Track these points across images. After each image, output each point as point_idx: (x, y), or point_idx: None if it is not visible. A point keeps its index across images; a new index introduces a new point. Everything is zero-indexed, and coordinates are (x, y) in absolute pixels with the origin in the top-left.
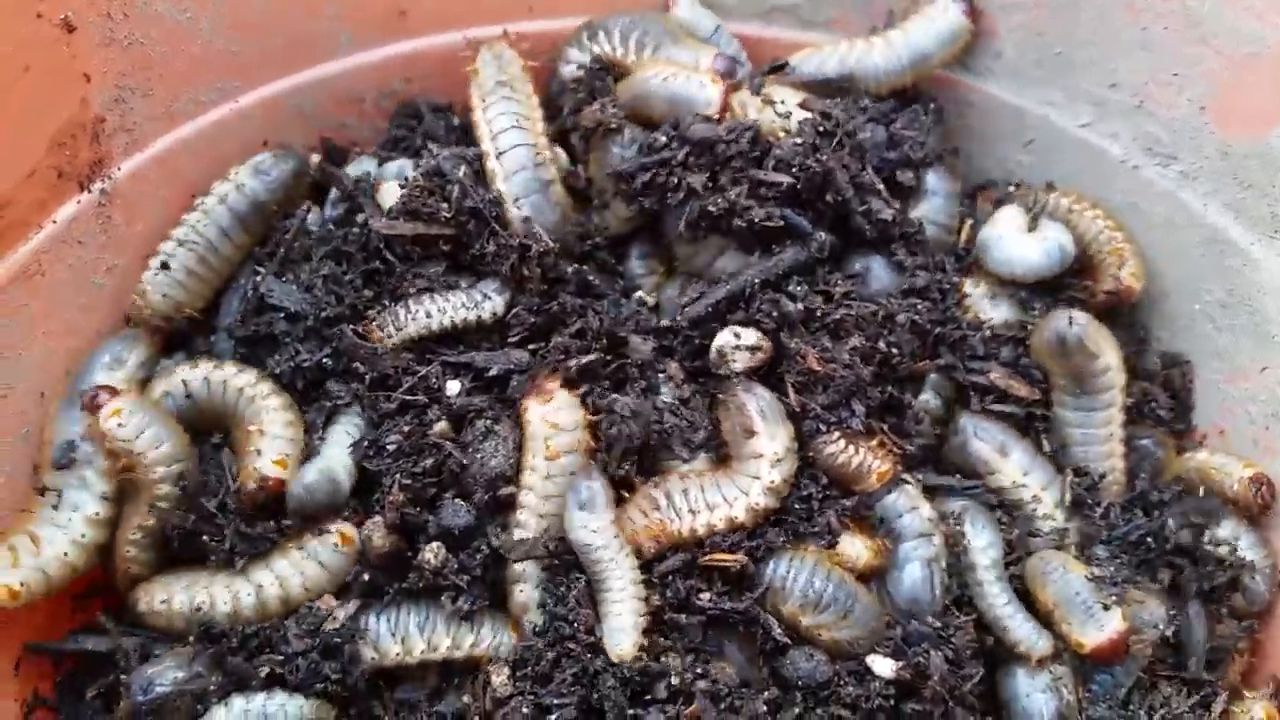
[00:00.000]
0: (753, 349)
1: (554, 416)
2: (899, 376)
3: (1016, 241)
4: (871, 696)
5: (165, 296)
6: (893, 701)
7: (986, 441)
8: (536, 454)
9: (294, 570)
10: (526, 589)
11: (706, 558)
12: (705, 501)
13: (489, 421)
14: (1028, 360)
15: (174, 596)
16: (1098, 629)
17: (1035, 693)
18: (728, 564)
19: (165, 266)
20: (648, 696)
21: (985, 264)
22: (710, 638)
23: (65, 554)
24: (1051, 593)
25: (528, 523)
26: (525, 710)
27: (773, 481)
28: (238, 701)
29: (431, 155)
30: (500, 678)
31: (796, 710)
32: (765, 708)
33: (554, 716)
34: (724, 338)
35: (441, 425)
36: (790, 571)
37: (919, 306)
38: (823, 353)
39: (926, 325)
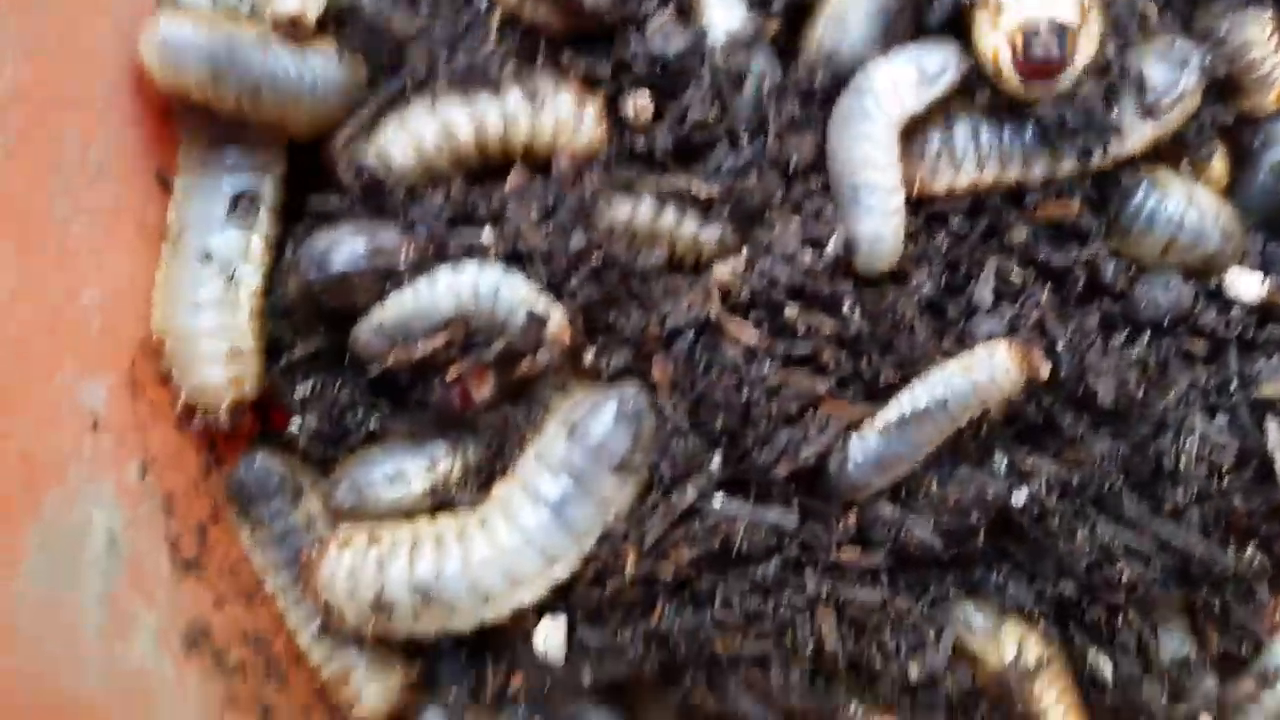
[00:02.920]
0: None
1: None
2: None
3: None
4: (1231, 324)
5: None
6: (1250, 331)
7: None
8: None
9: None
10: None
11: (1038, 211)
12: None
13: None
14: None
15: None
16: None
17: None
18: (1059, 215)
19: None
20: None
21: None
22: None
23: (255, 338)
24: None
25: None
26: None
27: None
28: (443, 275)
29: None
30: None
31: (1145, 340)
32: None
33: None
34: None
35: None
36: (1148, 202)
37: None
38: None
39: None
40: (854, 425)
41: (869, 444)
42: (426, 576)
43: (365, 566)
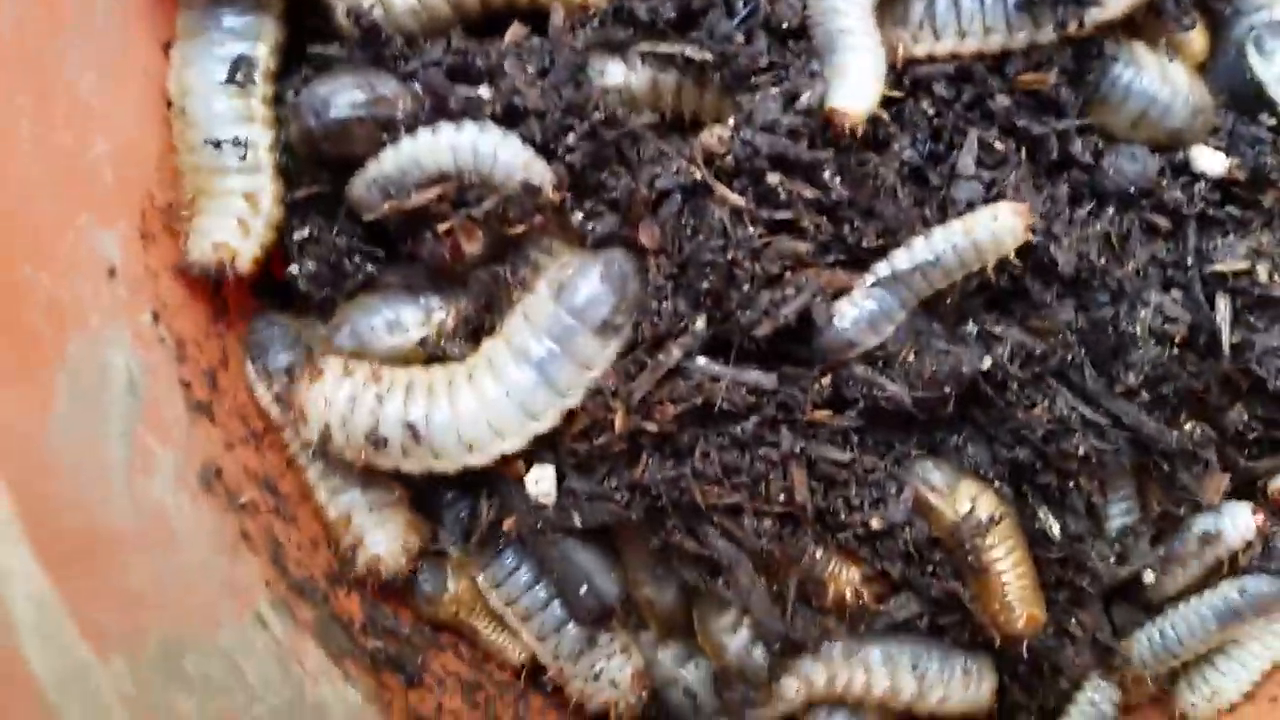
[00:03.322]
0: None
1: None
2: None
3: None
4: (1193, 200)
5: None
6: (1210, 208)
7: None
8: None
9: None
10: None
11: (1016, 81)
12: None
13: None
14: None
15: None
16: None
17: None
18: (1035, 85)
19: None
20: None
21: None
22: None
23: (275, 191)
24: None
25: None
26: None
27: None
28: (444, 132)
29: None
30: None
31: (1110, 212)
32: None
33: None
34: None
35: None
36: (1123, 76)
37: None
38: None
39: None
40: (836, 286)
41: (861, 300)
42: (417, 421)
43: (364, 399)
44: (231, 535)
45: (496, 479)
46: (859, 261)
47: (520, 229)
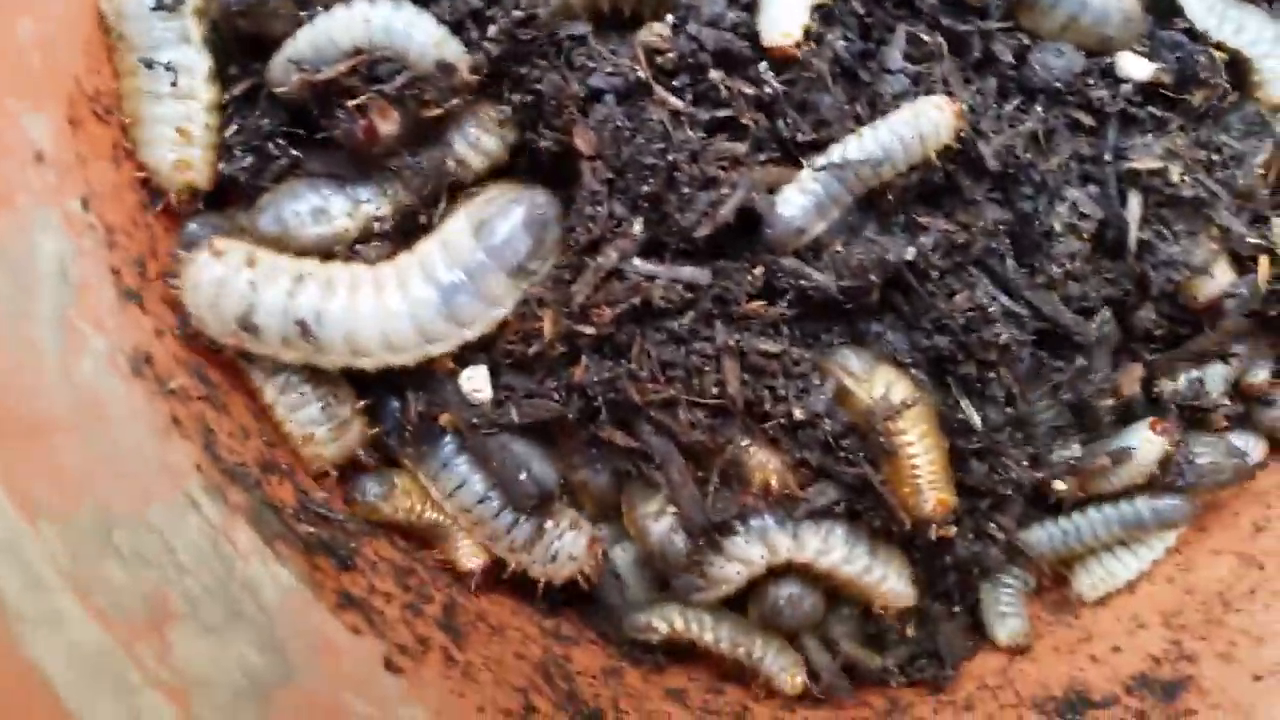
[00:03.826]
0: None
1: None
2: None
3: None
4: (1118, 98)
5: None
6: (1132, 107)
7: None
8: None
9: None
10: None
11: None
12: None
13: None
14: None
15: None
16: None
17: None
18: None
19: None
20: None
21: None
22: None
23: (208, 123)
24: None
25: None
26: None
27: None
28: (360, 6)
29: None
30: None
31: (1037, 109)
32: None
33: None
34: None
35: None
36: None
37: None
38: None
39: None
40: (772, 181)
41: (807, 186)
42: (307, 313)
43: (234, 282)
44: (162, 420)
45: (427, 375)
46: (793, 159)
47: (437, 111)
